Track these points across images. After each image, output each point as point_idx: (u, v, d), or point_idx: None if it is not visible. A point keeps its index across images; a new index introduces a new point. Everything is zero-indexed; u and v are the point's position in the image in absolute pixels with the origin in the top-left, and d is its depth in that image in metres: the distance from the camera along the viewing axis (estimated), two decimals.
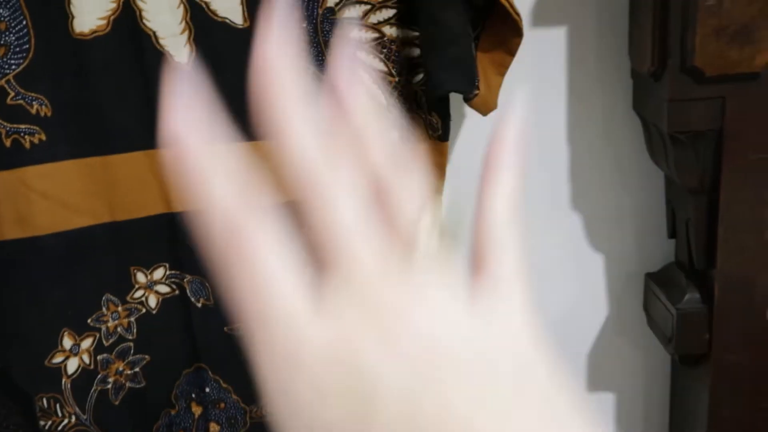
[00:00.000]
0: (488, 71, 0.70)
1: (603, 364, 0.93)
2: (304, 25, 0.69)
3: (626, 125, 0.84)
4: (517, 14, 0.67)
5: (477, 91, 0.69)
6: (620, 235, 0.88)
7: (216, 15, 0.68)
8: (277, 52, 0.27)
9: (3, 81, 0.66)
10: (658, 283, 0.86)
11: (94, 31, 0.66)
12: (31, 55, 0.65)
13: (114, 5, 0.66)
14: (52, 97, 0.67)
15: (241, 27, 0.68)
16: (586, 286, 0.90)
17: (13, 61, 0.65)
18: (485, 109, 0.71)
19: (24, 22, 0.65)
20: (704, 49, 0.70)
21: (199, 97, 0.27)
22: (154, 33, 0.67)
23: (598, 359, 0.93)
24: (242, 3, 0.67)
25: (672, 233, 0.85)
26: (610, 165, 0.86)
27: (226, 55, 0.69)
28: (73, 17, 0.65)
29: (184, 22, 0.67)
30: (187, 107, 0.27)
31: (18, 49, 0.65)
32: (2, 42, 0.65)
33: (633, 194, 0.87)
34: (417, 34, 0.69)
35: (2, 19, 0.65)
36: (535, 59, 0.80)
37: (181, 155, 0.26)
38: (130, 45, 0.67)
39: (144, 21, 0.67)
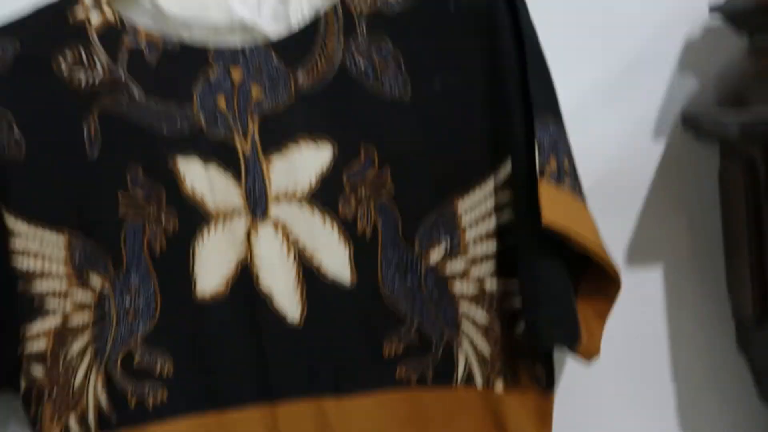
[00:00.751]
0: (589, 319, 0.72)
1: None
2: (408, 281, 0.73)
3: (732, 365, 0.82)
4: (614, 267, 0.69)
5: (579, 343, 0.70)
6: None
7: (326, 277, 0.72)
8: None
9: (131, 343, 0.71)
10: None
11: (214, 295, 0.71)
12: (157, 318, 0.71)
13: (233, 267, 0.71)
14: (174, 357, 0.71)
15: (349, 286, 0.72)
16: None
17: (140, 324, 0.71)
18: (587, 356, 0.71)
19: (152, 288, 0.71)
20: None
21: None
22: (269, 295, 0.72)
23: None
24: (350, 260, 0.72)
25: None
26: (719, 406, 0.84)
27: (335, 313, 0.73)
28: (196, 282, 0.71)
29: (297, 285, 0.72)
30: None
31: (146, 312, 0.71)
32: (132, 306, 0.71)
33: None
34: (517, 285, 0.72)
35: (133, 285, 0.71)
36: (635, 301, 0.81)
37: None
38: (247, 306, 0.72)
39: (260, 284, 0.72)
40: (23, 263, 0.70)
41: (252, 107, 0.72)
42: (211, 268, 0.71)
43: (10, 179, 0.69)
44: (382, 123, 0.72)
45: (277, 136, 0.71)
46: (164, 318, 0.71)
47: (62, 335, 0.71)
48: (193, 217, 0.71)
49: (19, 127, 0.69)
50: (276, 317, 0.72)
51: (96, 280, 0.71)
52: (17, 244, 0.70)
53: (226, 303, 0.71)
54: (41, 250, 0.70)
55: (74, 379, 0.71)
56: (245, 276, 0.71)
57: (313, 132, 0.71)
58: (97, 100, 0.70)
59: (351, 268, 0.72)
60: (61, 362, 0.71)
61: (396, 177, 0.72)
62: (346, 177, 0.72)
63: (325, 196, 0.72)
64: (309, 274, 0.72)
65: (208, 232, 0.71)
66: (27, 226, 0.70)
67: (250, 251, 0.71)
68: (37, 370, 0.70)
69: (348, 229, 0.72)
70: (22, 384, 0.70)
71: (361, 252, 0.72)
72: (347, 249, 0.72)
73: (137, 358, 0.71)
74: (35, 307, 0.70)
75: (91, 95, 0.70)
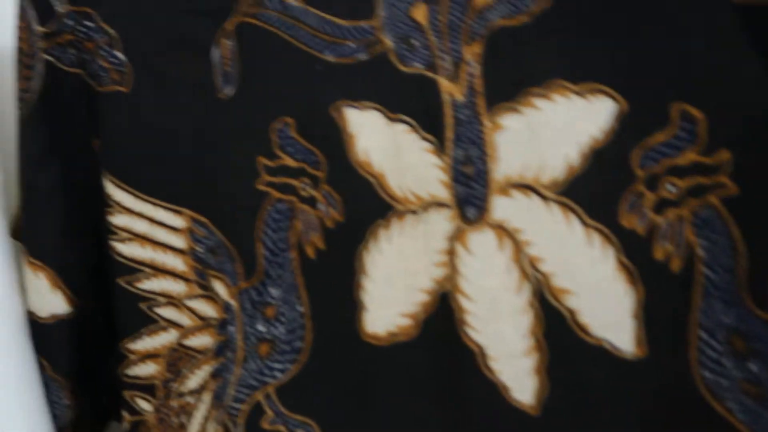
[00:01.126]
0: None
1: None
2: (752, 370, 0.37)
3: None
4: None
5: None
6: None
7: (587, 332, 0.39)
8: None
9: (260, 394, 0.45)
10: None
11: (393, 334, 0.42)
12: (303, 358, 0.44)
13: (426, 298, 0.42)
14: (325, 423, 0.44)
15: (630, 358, 0.39)
16: None
17: (278, 366, 0.44)
18: None
19: (300, 309, 0.44)
20: None
21: None
22: (481, 349, 0.41)
23: None
24: (636, 311, 0.38)
25: None
26: None
27: (601, 401, 0.40)
28: (365, 310, 0.43)
29: (532, 341, 0.40)
30: None
31: (287, 348, 0.44)
32: (268, 335, 0.45)
33: None
34: None
35: (272, 301, 0.45)
36: None
37: None
38: (441, 361, 0.41)
39: (467, 329, 0.41)
40: (125, 248, 0.48)
41: (471, 23, 0.40)
42: (391, 291, 0.42)
43: (109, 124, 0.46)
44: (722, 61, 0.36)
45: (514, 76, 0.40)
46: (315, 361, 0.43)
47: (177, 360, 0.47)
48: (366, 204, 0.42)
49: (123, 49, 0.47)
50: (493, 390, 0.40)
51: (221, 289, 0.46)
52: (118, 219, 0.48)
53: (411, 350, 0.42)
54: (151, 233, 0.48)
55: (189, 428, 0.49)
56: (444, 312, 0.41)
57: (581, 72, 0.38)
58: (234, 6, 0.45)
59: (637, 327, 0.39)
60: (173, 399, 0.49)
61: (743, 171, 0.36)
62: (640, 158, 0.38)
63: (594, 189, 0.38)
64: (555, 325, 0.39)
65: (388, 230, 0.42)
66: (132, 198, 0.47)
67: (455, 272, 0.41)
68: (144, 404, 0.50)
69: (636, 256, 0.38)
70: (125, 421, 0.49)
71: (660, 301, 0.38)
72: (632, 291, 0.39)
73: (268, 419, 0.44)
74: (142, 315, 0.47)
75: None
